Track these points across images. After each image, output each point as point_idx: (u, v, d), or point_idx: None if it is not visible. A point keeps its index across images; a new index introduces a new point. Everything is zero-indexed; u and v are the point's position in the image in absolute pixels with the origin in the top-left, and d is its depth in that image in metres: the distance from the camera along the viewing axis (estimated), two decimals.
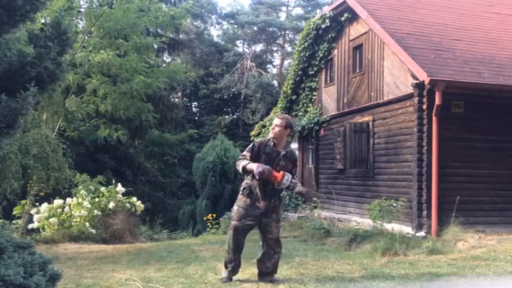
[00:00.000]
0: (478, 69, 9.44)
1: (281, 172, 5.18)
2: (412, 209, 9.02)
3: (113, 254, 7.82)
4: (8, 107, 3.34)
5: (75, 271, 6.17)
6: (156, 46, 21.80)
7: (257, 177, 5.11)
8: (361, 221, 10.15)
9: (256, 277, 5.49)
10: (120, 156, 21.00)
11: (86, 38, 11.95)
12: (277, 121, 5.37)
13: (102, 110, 12.90)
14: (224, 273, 5.45)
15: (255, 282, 5.36)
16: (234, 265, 5.41)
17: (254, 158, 5.27)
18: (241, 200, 5.35)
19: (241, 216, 5.29)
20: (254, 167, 5.12)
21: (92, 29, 11.80)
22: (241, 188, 5.39)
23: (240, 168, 5.28)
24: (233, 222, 5.35)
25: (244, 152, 5.37)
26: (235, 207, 5.40)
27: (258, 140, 5.53)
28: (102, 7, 11.74)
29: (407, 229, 8.98)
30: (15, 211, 10.01)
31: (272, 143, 5.35)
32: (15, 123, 3.42)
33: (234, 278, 5.44)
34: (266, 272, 5.40)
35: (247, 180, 5.34)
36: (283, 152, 5.35)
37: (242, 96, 30.50)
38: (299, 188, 5.39)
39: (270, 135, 5.41)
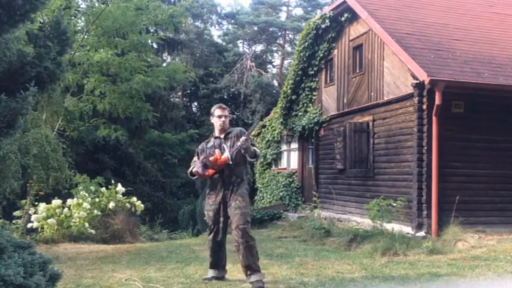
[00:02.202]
0: (478, 69, 9.44)
1: (216, 152, 5.16)
2: (412, 209, 9.02)
3: (113, 254, 7.81)
4: (8, 107, 3.33)
5: (75, 271, 6.17)
6: (155, 45, 21.84)
7: (202, 172, 5.12)
8: (361, 221, 10.15)
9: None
10: (120, 156, 21.00)
11: (85, 37, 11.93)
12: (222, 112, 5.31)
13: (100, 108, 12.89)
14: (209, 273, 5.47)
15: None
16: (220, 264, 5.44)
17: None
18: (206, 204, 5.42)
19: (211, 218, 5.31)
20: (196, 167, 5.16)
21: (90, 28, 11.79)
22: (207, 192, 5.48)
23: (189, 175, 5.39)
24: (210, 227, 5.37)
25: (193, 159, 5.42)
26: (205, 213, 5.46)
27: (200, 145, 5.54)
28: (101, 6, 11.72)
29: (407, 229, 8.98)
30: (16, 214, 10.00)
31: (213, 137, 5.40)
32: (15, 123, 3.42)
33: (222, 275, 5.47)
34: (243, 268, 5.11)
35: (209, 181, 5.37)
36: (223, 135, 5.32)
37: (242, 96, 30.50)
38: (241, 141, 5.03)
39: (219, 128, 5.31)
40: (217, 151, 5.16)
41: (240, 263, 5.19)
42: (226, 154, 5.12)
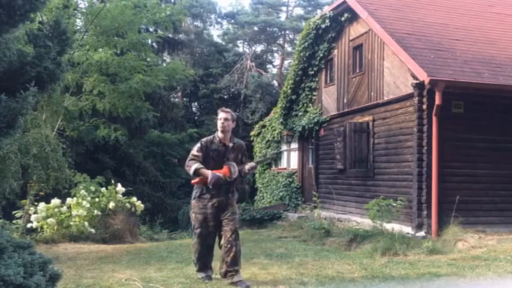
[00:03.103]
0: (478, 69, 9.44)
1: (224, 166, 5.26)
2: (412, 208, 9.02)
3: (112, 254, 7.81)
4: (8, 107, 3.33)
5: (75, 271, 6.17)
6: (155, 45, 21.81)
7: (211, 187, 5.22)
8: (361, 221, 10.15)
9: (256, 277, 5.53)
10: (120, 156, 20.98)
11: (84, 36, 11.93)
12: (225, 115, 5.39)
13: (100, 108, 12.89)
14: (200, 274, 5.51)
15: (254, 282, 5.37)
16: (207, 265, 5.52)
17: (203, 157, 5.34)
18: (195, 206, 5.42)
19: (201, 222, 5.36)
20: (208, 175, 5.21)
21: (89, 27, 11.78)
22: (194, 193, 5.45)
23: (191, 171, 5.30)
24: (197, 231, 5.39)
25: (195, 153, 5.39)
26: (192, 215, 5.46)
27: (204, 139, 5.59)
28: (99, 5, 11.72)
29: (407, 229, 8.98)
30: (16, 214, 10.00)
31: (217, 139, 5.42)
32: (15, 123, 3.41)
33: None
34: (227, 269, 5.27)
35: (201, 186, 5.40)
36: (230, 145, 5.43)
37: (242, 96, 30.49)
38: (249, 167, 5.46)
39: (220, 129, 5.40)
40: (225, 168, 5.26)
41: (225, 264, 5.29)
42: (233, 172, 5.25)
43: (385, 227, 8.59)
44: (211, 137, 5.53)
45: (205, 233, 5.36)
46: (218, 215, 5.32)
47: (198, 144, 5.43)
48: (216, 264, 5.62)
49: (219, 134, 5.44)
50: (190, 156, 5.41)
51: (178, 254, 7.64)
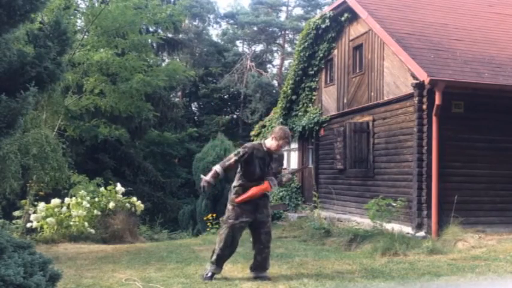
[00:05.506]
0: (478, 69, 9.44)
1: (265, 182, 5.49)
2: (412, 209, 9.02)
3: (112, 254, 7.81)
4: (8, 107, 3.33)
5: (75, 271, 6.17)
6: (155, 45, 21.83)
7: (274, 189, 5.71)
8: (361, 221, 10.15)
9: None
10: (120, 156, 21.00)
11: (85, 36, 11.94)
12: (283, 142, 5.49)
13: (102, 106, 12.89)
14: (210, 266, 5.56)
15: (255, 282, 5.37)
16: (222, 261, 5.60)
17: (247, 162, 5.45)
18: (233, 200, 5.56)
19: (237, 214, 5.49)
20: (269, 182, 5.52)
21: (90, 28, 11.79)
22: (234, 189, 5.57)
23: (229, 163, 5.46)
24: (231, 221, 5.51)
25: (233, 158, 5.48)
26: (230, 207, 5.57)
27: (249, 144, 5.69)
28: (100, 5, 11.73)
29: (407, 229, 8.98)
30: (16, 214, 10.00)
31: (265, 148, 5.53)
32: (15, 123, 3.42)
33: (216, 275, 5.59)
34: (255, 266, 5.59)
35: (240, 181, 5.55)
36: (275, 156, 5.64)
37: (242, 96, 30.50)
38: (286, 179, 5.89)
39: (273, 150, 5.51)
40: (266, 184, 5.48)
41: (254, 263, 5.61)
42: (273, 186, 5.57)
43: (385, 227, 8.59)
44: (257, 143, 5.67)
45: (238, 226, 5.51)
46: (254, 214, 5.52)
47: (241, 150, 5.51)
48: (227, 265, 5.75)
49: (267, 144, 5.52)
50: (231, 156, 5.55)
51: (178, 254, 7.64)
